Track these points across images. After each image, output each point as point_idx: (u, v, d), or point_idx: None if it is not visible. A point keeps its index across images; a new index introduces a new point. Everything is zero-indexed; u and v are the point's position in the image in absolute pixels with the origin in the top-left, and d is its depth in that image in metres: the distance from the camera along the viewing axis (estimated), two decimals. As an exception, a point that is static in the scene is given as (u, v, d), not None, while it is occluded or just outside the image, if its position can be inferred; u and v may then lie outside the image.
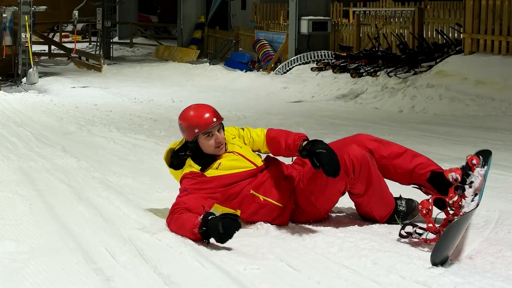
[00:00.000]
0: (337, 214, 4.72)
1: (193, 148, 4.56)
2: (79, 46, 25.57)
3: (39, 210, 4.84)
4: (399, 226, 4.35)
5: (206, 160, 4.52)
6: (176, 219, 4.25)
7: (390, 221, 4.48)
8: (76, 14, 18.35)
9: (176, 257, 3.85)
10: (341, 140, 4.64)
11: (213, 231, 4.00)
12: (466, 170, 4.36)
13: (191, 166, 4.51)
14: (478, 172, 4.30)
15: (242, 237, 4.25)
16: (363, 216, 4.59)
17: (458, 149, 7.52)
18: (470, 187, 4.17)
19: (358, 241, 4.06)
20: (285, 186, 4.50)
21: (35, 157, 6.97)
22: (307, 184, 4.43)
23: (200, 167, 4.49)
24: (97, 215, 4.71)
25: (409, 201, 4.57)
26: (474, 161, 4.35)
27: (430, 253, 3.83)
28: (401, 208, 4.52)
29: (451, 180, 4.34)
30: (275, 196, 4.46)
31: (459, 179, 4.33)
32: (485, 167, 4.32)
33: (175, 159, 4.63)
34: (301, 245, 4.05)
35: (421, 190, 4.54)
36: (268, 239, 4.22)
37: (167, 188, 5.50)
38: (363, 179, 4.33)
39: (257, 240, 4.20)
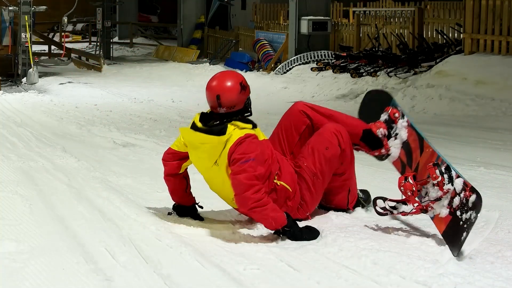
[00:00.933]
0: (337, 214, 4.72)
1: (250, 105, 4.43)
2: (78, 46, 25.60)
3: (39, 210, 4.84)
4: (400, 225, 4.35)
5: (245, 119, 4.40)
6: (268, 206, 4.15)
7: (358, 205, 4.79)
8: (66, 20, 18.47)
9: (176, 257, 3.86)
10: (287, 116, 4.72)
11: (301, 230, 4.18)
12: (390, 123, 4.71)
13: (242, 128, 4.26)
14: (401, 124, 4.66)
15: (242, 237, 4.25)
16: (331, 206, 4.73)
17: (458, 149, 7.52)
18: (396, 138, 4.66)
19: (358, 241, 4.06)
20: (292, 170, 4.54)
21: (35, 157, 6.97)
22: (307, 169, 4.50)
23: (251, 124, 4.34)
24: (97, 215, 4.71)
25: (362, 191, 4.91)
26: (396, 114, 4.70)
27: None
28: (361, 195, 4.86)
29: (380, 136, 4.68)
30: (287, 180, 4.48)
31: (386, 133, 4.68)
32: (405, 117, 4.66)
33: (214, 126, 4.30)
34: (301, 245, 4.05)
35: (354, 148, 4.78)
36: (268, 239, 4.22)
37: (167, 188, 5.50)
38: (350, 150, 4.59)
39: (257, 240, 4.20)
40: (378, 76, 13.29)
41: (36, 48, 20.81)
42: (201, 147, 4.36)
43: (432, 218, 4.11)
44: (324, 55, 16.09)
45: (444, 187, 4.03)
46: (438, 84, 11.73)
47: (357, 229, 4.35)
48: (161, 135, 8.77)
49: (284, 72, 15.98)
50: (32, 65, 15.35)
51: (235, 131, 4.24)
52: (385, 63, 13.92)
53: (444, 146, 7.81)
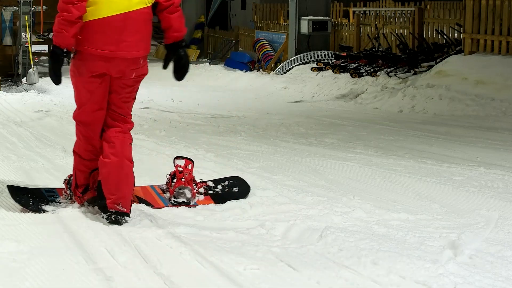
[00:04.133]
0: (337, 214, 4.72)
1: None
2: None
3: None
4: (400, 225, 4.36)
5: None
6: None
7: None
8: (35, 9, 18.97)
9: (176, 257, 3.86)
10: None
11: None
12: None
13: None
14: None
15: (242, 237, 4.25)
16: None
17: (458, 149, 7.52)
18: None
19: (358, 241, 4.06)
20: None
21: (35, 157, 6.97)
22: None
23: None
24: (97, 215, 4.71)
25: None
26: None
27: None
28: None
29: None
30: None
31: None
32: None
33: None
34: (301, 245, 4.05)
35: None
36: (268, 238, 4.22)
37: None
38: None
39: (257, 240, 4.20)
40: (378, 76, 13.29)
41: (36, 48, 20.81)
42: None
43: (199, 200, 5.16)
44: (324, 55, 16.10)
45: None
46: (438, 84, 11.73)
47: (357, 229, 4.35)
48: (161, 135, 8.76)
49: (284, 72, 15.99)
50: (32, 65, 15.34)
51: None
52: (385, 63, 13.92)
53: (444, 146, 7.82)
